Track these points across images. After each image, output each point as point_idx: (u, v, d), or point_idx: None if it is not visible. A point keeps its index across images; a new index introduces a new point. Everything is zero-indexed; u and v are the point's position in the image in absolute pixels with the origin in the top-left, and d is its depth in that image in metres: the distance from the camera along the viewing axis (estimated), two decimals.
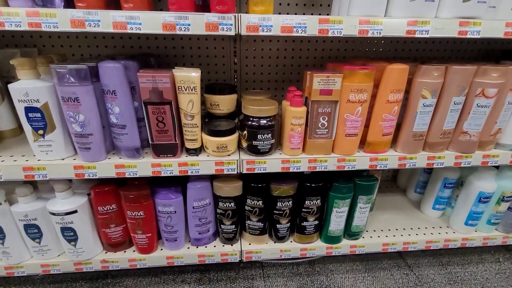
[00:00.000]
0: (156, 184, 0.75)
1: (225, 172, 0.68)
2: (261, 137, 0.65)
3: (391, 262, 0.97)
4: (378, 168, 0.71)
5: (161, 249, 0.81)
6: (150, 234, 0.76)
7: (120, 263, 0.78)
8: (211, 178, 0.77)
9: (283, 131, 0.69)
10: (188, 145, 0.67)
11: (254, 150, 0.67)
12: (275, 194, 0.76)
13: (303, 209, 0.78)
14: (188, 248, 0.82)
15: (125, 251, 0.80)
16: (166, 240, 0.79)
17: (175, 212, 0.75)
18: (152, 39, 0.88)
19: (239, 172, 0.68)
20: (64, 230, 0.71)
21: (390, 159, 0.71)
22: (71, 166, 0.63)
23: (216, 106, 0.72)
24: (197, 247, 0.82)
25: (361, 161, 0.70)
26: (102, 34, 0.86)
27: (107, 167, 0.64)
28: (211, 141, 0.65)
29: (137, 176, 0.66)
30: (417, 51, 0.97)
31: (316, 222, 0.81)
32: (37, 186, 0.74)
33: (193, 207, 0.76)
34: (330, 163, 0.69)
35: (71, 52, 0.87)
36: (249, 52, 0.92)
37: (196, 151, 0.68)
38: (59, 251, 0.78)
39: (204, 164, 0.66)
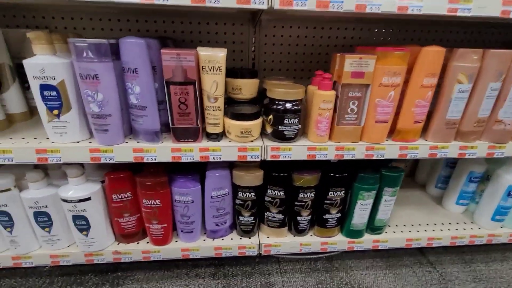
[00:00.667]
0: (172, 172, 0.72)
1: (248, 159, 0.64)
2: (288, 121, 0.62)
3: (412, 259, 0.94)
4: (408, 157, 0.67)
5: (176, 241, 0.78)
6: (165, 225, 0.73)
7: (133, 255, 0.75)
8: (230, 167, 0.74)
9: (309, 117, 0.66)
10: (210, 129, 0.63)
11: (279, 136, 0.64)
12: (297, 184, 0.73)
13: (325, 201, 0.75)
14: (204, 240, 0.78)
15: (138, 243, 0.77)
16: (182, 231, 0.76)
17: (193, 201, 0.71)
18: (168, 23, 0.84)
19: (263, 158, 0.65)
20: (76, 218, 0.67)
21: (421, 148, 0.67)
22: (86, 149, 0.60)
23: (238, 91, 0.68)
24: (213, 240, 0.79)
25: (390, 150, 0.66)
26: (117, 16, 0.83)
27: (125, 151, 0.61)
28: (235, 125, 0.62)
29: (156, 161, 0.62)
30: (440, 40, 0.94)
31: (339, 215, 0.77)
32: (47, 173, 0.70)
33: (211, 197, 0.73)
34: (358, 151, 0.66)
35: (84, 35, 0.83)
36: (268, 39, 0.88)
37: (218, 136, 0.65)
38: (69, 241, 0.74)
39: (227, 150, 0.63)
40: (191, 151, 0.62)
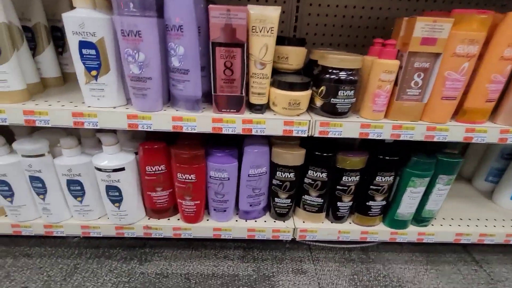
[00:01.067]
0: (209, 145, 0.67)
1: (294, 134, 0.59)
2: (342, 93, 0.55)
3: (456, 255, 0.86)
4: (473, 141, 0.60)
5: (207, 220, 0.74)
6: (198, 202, 0.69)
7: (164, 231, 0.72)
8: (270, 144, 0.68)
9: (363, 92, 0.59)
10: (254, 99, 0.58)
11: (330, 110, 0.57)
12: (341, 166, 0.67)
13: (371, 186, 0.69)
14: (236, 221, 0.74)
15: (169, 219, 0.74)
16: (214, 210, 0.72)
17: (228, 179, 0.67)
18: None
19: (310, 134, 0.59)
20: (109, 189, 0.64)
21: (490, 131, 0.59)
22: (124, 115, 0.56)
23: (284, 60, 0.62)
24: (246, 221, 0.75)
25: (454, 131, 0.59)
26: None
27: (163, 118, 0.56)
28: (283, 95, 0.56)
29: (195, 131, 0.58)
30: None
31: (384, 202, 0.71)
32: (80, 141, 0.68)
33: (248, 175, 0.68)
34: (417, 131, 0.59)
35: None
36: (313, 9, 0.81)
37: (262, 108, 0.59)
38: (100, 213, 0.72)
39: (271, 123, 0.58)
40: (233, 123, 0.57)
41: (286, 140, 0.70)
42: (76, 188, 0.66)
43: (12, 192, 0.65)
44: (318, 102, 0.58)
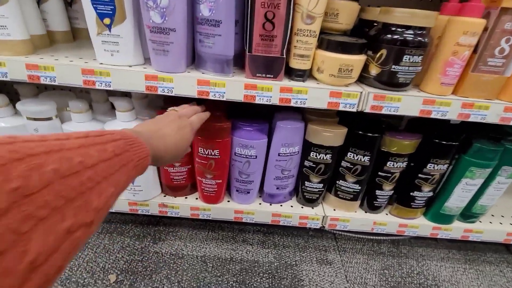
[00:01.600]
0: (235, 118, 0.59)
1: (340, 108, 0.49)
2: (408, 59, 0.45)
3: (498, 256, 0.78)
4: None
5: (228, 201, 0.67)
6: (220, 181, 0.62)
7: (181, 210, 0.66)
8: (304, 120, 0.59)
9: (430, 60, 0.48)
10: (296, 63, 0.48)
11: (388, 80, 0.47)
12: (387, 149, 0.58)
13: (419, 175, 0.59)
14: (260, 204, 0.67)
15: (186, 197, 0.67)
16: (237, 191, 0.65)
17: (256, 157, 0.59)
18: None
19: (360, 109, 0.49)
20: None
21: None
22: (141, 75, 0.47)
23: (334, 17, 0.51)
24: (270, 205, 0.68)
25: None
26: None
27: (187, 82, 0.48)
28: (333, 59, 0.46)
29: (223, 99, 0.49)
30: None
31: (431, 194, 0.62)
32: (91, 106, 0.60)
33: (279, 154, 0.60)
34: (492, 112, 0.48)
35: None
36: None
37: (304, 75, 0.50)
38: None
39: (315, 94, 0.48)
40: (269, 91, 0.48)
41: (322, 116, 0.61)
42: None
43: None
44: (374, 70, 0.48)
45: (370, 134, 0.56)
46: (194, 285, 0.62)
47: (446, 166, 0.57)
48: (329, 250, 0.75)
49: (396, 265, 0.73)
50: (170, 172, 0.62)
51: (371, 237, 0.78)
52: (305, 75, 0.50)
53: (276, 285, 0.64)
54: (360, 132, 0.56)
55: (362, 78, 0.50)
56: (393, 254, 0.76)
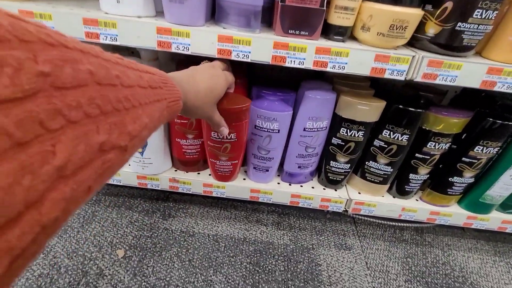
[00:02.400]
0: (256, 85, 0.52)
1: (386, 75, 0.42)
2: (479, 14, 0.36)
3: None
4: None
5: (244, 179, 0.62)
6: (236, 161, 0.56)
7: (193, 186, 0.61)
8: (336, 92, 0.52)
9: (500, 21, 0.39)
10: (337, 18, 0.40)
11: (449, 42, 0.39)
12: (429, 128, 0.50)
13: (463, 158, 0.53)
14: (279, 184, 0.62)
15: (198, 173, 0.62)
16: (254, 168, 0.59)
17: (279, 131, 0.52)
18: None
19: (409, 78, 0.42)
20: None
21: None
22: (153, 27, 0.40)
23: None
24: (289, 185, 0.62)
25: None
26: None
27: (206, 37, 0.40)
28: (385, 12, 0.38)
29: (248, 60, 0.42)
30: None
31: (472, 180, 0.56)
32: None
33: (304, 129, 0.53)
34: None
35: None
36: None
37: (345, 33, 0.42)
38: None
39: (357, 57, 0.40)
40: (303, 51, 0.40)
41: (353, 87, 0.53)
42: None
43: None
44: (432, 29, 0.39)
45: (413, 109, 0.48)
46: (206, 264, 0.58)
47: (496, 149, 0.50)
48: (348, 234, 0.71)
49: (420, 254, 0.68)
50: (182, 144, 0.57)
51: (393, 223, 0.73)
52: (346, 33, 0.42)
53: (292, 268, 0.60)
54: (401, 107, 0.49)
55: (413, 40, 0.42)
56: (417, 242, 0.71)
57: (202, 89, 0.35)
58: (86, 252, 0.58)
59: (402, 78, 0.41)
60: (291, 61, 0.41)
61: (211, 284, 0.54)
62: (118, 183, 0.62)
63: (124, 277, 0.54)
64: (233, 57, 0.41)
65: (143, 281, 0.54)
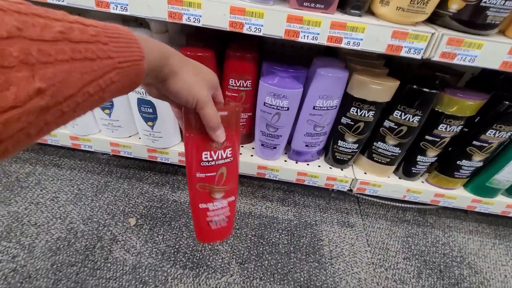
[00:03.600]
0: (267, 61, 0.51)
1: (402, 53, 0.40)
2: None
3: None
4: None
5: (251, 155, 0.63)
6: (233, 199, 0.47)
7: None
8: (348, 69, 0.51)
9: None
10: None
11: (473, 19, 0.37)
12: (442, 110, 0.50)
13: (474, 142, 0.52)
14: (286, 161, 0.63)
15: None
16: (262, 145, 0.60)
17: (288, 108, 0.52)
18: None
19: (426, 56, 0.40)
20: (142, 103, 0.52)
21: None
22: None
23: None
24: (296, 163, 0.63)
25: None
26: None
27: (217, 8, 0.39)
28: None
29: (260, 34, 0.41)
30: None
31: (481, 164, 0.55)
32: None
33: (314, 107, 0.53)
34: None
35: None
36: None
37: (362, 7, 0.40)
38: (130, 131, 0.62)
39: (374, 33, 0.39)
40: (317, 25, 0.39)
41: (366, 66, 0.52)
42: None
43: None
44: (455, 5, 0.37)
45: (427, 90, 0.47)
46: None
47: (509, 134, 0.49)
48: (351, 213, 0.73)
49: (420, 234, 0.70)
50: None
51: (397, 204, 0.74)
52: (363, 7, 0.40)
53: (295, 242, 0.63)
54: (415, 87, 0.48)
55: (434, 17, 0.40)
56: (419, 223, 0.72)
57: (192, 63, 0.28)
58: (100, 219, 0.61)
59: (419, 56, 0.40)
60: (304, 35, 0.40)
61: (218, 253, 0.58)
62: (129, 156, 0.63)
63: (136, 243, 0.57)
64: (245, 30, 0.40)
65: (154, 247, 0.57)
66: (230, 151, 0.33)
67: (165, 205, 0.67)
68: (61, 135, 0.62)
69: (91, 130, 0.61)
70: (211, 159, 0.32)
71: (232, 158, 0.34)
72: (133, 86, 0.22)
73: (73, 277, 0.50)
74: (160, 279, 0.52)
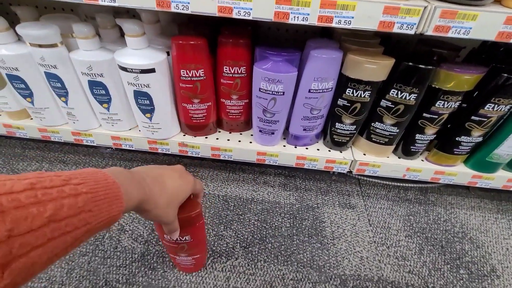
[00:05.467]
0: (260, 46, 0.51)
1: (395, 29, 0.39)
2: None
3: None
4: None
5: (250, 142, 0.64)
6: (198, 256, 0.50)
7: (202, 150, 0.63)
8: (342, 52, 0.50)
9: None
10: None
11: None
12: (439, 86, 0.49)
13: (473, 117, 0.51)
14: (284, 146, 0.63)
15: (206, 137, 0.64)
16: (260, 131, 0.60)
17: (283, 93, 0.52)
18: None
19: (419, 31, 0.39)
20: (138, 95, 0.53)
21: None
22: None
23: None
24: (295, 147, 0.63)
25: None
26: None
27: None
28: None
29: (249, 18, 0.40)
30: None
31: (480, 139, 0.55)
32: (99, 34, 0.53)
33: (309, 90, 0.53)
34: None
35: None
36: None
37: None
38: (130, 124, 0.63)
39: (365, 10, 0.38)
40: (307, 5, 0.38)
41: (361, 45, 0.51)
42: (100, 92, 0.55)
43: (30, 91, 0.56)
44: None
45: (423, 67, 0.47)
46: (217, 221, 0.63)
47: (508, 107, 0.49)
48: (352, 195, 0.74)
49: (422, 212, 0.70)
50: (189, 109, 0.58)
51: (398, 183, 0.74)
52: None
53: (297, 225, 0.64)
54: (410, 64, 0.47)
55: None
56: (420, 202, 0.73)
57: (169, 187, 0.33)
58: None
59: (412, 32, 0.39)
60: (294, 17, 0.39)
61: (222, 238, 0.59)
62: (131, 148, 0.65)
63: (143, 232, 0.59)
64: (234, 15, 0.40)
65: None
66: (189, 237, 0.43)
67: None
68: (63, 131, 0.63)
69: (91, 125, 0.62)
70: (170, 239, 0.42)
71: (192, 240, 0.44)
72: (103, 230, 0.25)
73: (85, 265, 0.52)
74: (168, 265, 0.54)
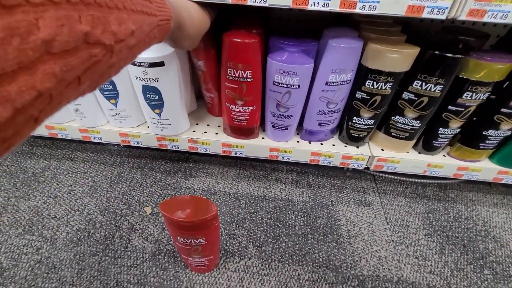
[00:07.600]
0: (274, 36, 0.48)
1: (424, 14, 0.36)
2: None
3: None
4: None
5: (262, 138, 0.61)
6: (211, 257, 0.48)
7: (212, 146, 0.61)
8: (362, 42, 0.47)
9: None
10: None
11: None
12: (467, 76, 0.46)
13: (502, 109, 0.48)
14: (298, 142, 0.61)
15: (216, 133, 0.62)
16: (273, 127, 0.58)
17: (299, 86, 0.49)
18: None
19: (453, 16, 0.36)
20: (147, 90, 0.51)
21: None
22: None
23: None
24: (309, 143, 0.61)
25: None
26: None
27: None
28: None
29: (266, 5, 0.37)
30: None
31: (509, 133, 0.52)
32: None
33: (326, 83, 0.50)
34: None
35: None
36: None
37: None
38: (138, 121, 0.61)
39: None
40: None
41: (382, 33, 0.48)
42: (108, 87, 0.53)
43: None
44: None
45: (451, 55, 0.43)
46: (228, 220, 0.61)
47: None
48: (367, 191, 0.71)
49: (442, 209, 0.67)
50: (231, 110, 0.55)
51: (415, 180, 0.71)
52: None
53: (311, 223, 0.62)
54: (437, 53, 0.44)
55: None
56: (439, 198, 0.70)
57: (194, 14, 0.35)
58: (117, 209, 0.61)
59: (443, 17, 0.36)
60: (314, 3, 0.36)
61: (234, 237, 0.57)
62: (139, 145, 0.63)
63: (153, 231, 0.57)
64: (249, 2, 0.37)
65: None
66: (204, 239, 0.42)
67: (179, 193, 0.66)
68: (71, 129, 0.62)
69: (99, 121, 0.61)
70: (184, 241, 0.42)
71: (206, 242, 0.42)
72: (161, 40, 0.26)
73: (96, 266, 0.51)
74: (179, 265, 0.52)
